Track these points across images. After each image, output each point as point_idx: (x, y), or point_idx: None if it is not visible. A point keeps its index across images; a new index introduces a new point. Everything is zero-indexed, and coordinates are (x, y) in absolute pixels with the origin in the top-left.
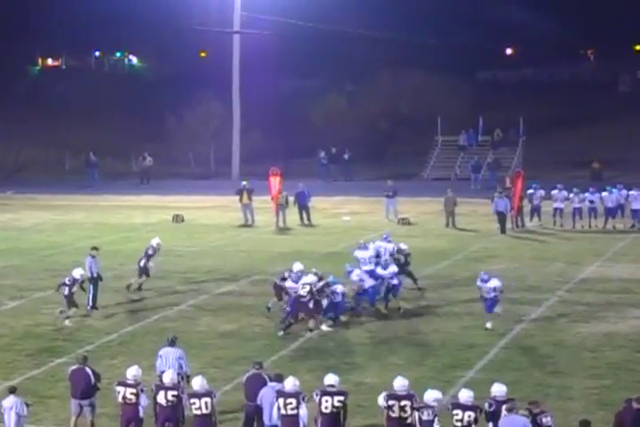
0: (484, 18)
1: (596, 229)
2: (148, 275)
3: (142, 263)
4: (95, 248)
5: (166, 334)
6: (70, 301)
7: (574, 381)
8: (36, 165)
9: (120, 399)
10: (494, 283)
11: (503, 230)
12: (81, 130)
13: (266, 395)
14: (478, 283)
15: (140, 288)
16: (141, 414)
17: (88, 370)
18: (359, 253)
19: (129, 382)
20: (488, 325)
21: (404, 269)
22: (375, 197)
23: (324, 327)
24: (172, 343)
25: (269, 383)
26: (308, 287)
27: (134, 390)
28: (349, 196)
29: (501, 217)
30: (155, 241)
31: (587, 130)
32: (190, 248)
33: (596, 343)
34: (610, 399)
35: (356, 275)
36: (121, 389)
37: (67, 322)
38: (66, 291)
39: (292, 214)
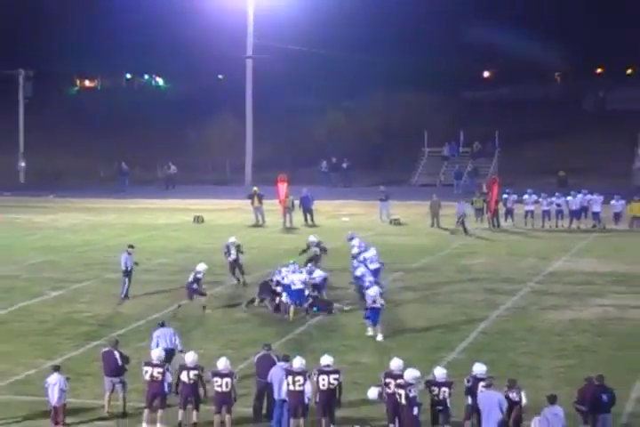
0: (465, 44)
1: (562, 228)
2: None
3: (194, 286)
4: (131, 246)
5: (187, 321)
6: (192, 291)
7: (543, 361)
8: (73, 172)
9: (147, 377)
10: (374, 291)
11: (466, 231)
12: (113, 142)
13: (275, 373)
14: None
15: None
16: (166, 390)
17: (116, 353)
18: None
19: (155, 362)
20: (379, 337)
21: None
22: (370, 201)
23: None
24: (163, 324)
25: (278, 363)
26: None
27: (161, 370)
28: (348, 200)
29: (462, 218)
30: (201, 267)
31: (554, 143)
32: (209, 245)
33: (563, 328)
34: (574, 377)
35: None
36: (148, 368)
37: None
38: (194, 285)
39: (298, 216)
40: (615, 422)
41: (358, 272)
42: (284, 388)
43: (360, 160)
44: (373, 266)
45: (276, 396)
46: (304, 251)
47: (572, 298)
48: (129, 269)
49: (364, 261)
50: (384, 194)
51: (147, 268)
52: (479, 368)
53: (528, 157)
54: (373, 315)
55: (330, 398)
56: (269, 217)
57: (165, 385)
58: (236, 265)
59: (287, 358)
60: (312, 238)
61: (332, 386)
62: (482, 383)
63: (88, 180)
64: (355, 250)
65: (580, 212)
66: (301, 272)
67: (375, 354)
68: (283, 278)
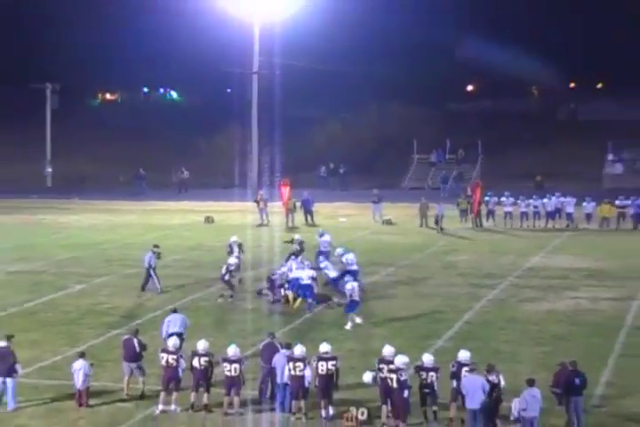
0: (451, 60)
1: (539, 228)
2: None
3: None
4: (156, 246)
5: (200, 311)
6: (228, 283)
7: (522, 348)
8: (95, 177)
9: (163, 363)
10: (351, 286)
11: (441, 230)
12: (132, 149)
13: (278, 359)
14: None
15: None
16: (180, 374)
17: (135, 340)
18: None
19: (170, 349)
20: (351, 324)
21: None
22: (365, 203)
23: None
24: (175, 311)
25: (281, 350)
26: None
27: (175, 356)
28: (345, 202)
29: (438, 219)
30: (232, 260)
31: (532, 150)
32: (219, 243)
33: (540, 318)
34: (550, 363)
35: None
36: (164, 355)
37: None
38: (226, 276)
39: (299, 216)
40: (586, 404)
41: (323, 264)
42: (287, 373)
43: (356, 166)
44: (352, 268)
45: (278, 380)
46: (289, 242)
47: (548, 291)
48: (152, 266)
49: (345, 262)
50: (377, 196)
51: (162, 264)
52: (463, 355)
53: (508, 164)
54: (352, 307)
55: (328, 382)
56: (273, 217)
57: (180, 370)
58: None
59: (289, 346)
60: (297, 237)
61: (330, 371)
62: (465, 368)
63: (109, 184)
64: (339, 250)
65: (554, 213)
66: (310, 268)
67: (369, 342)
68: (289, 271)
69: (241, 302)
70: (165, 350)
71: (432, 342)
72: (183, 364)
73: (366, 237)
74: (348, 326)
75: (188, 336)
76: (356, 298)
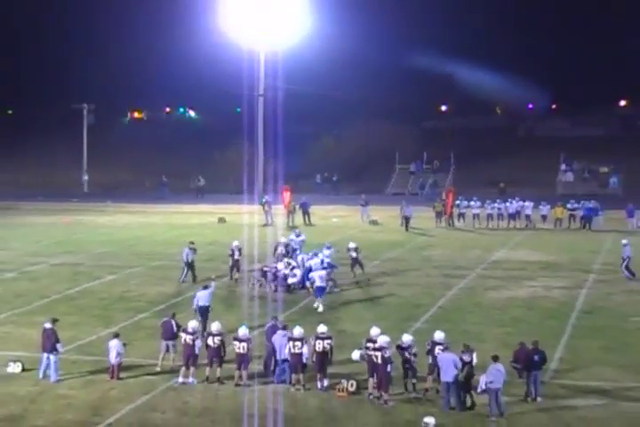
0: (429, 82)
1: (502, 227)
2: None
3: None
4: (192, 242)
5: (215, 298)
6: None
7: (487, 329)
8: (126, 184)
9: (182, 342)
10: (320, 273)
11: (407, 229)
12: (156, 160)
13: (276, 339)
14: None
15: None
16: (197, 351)
17: (173, 322)
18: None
19: (189, 330)
20: (320, 308)
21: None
22: (354, 206)
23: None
24: (206, 288)
25: (279, 331)
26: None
27: (192, 337)
28: (337, 205)
29: (407, 219)
30: (234, 244)
31: (495, 161)
32: (230, 240)
33: (503, 304)
34: (511, 342)
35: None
36: (183, 335)
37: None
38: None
39: (298, 217)
40: (544, 376)
41: (313, 262)
42: (287, 350)
43: (346, 174)
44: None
45: (278, 357)
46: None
47: (509, 281)
48: (190, 261)
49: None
50: (364, 200)
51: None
52: (438, 335)
53: (476, 172)
54: (320, 292)
55: (324, 358)
56: (276, 218)
57: (196, 349)
58: (235, 265)
59: (285, 327)
60: (284, 240)
61: (325, 349)
62: (439, 347)
63: (137, 189)
64: (326, 252)
65: (515, 214)
66: (323, 268)
67: (358, 324)
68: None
69: (249, 291)
70: (185, 330)
71: (411, 324)
72: (199, 343)
73: (355, 234)
74: (320, 307)
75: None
76: (324, 284)
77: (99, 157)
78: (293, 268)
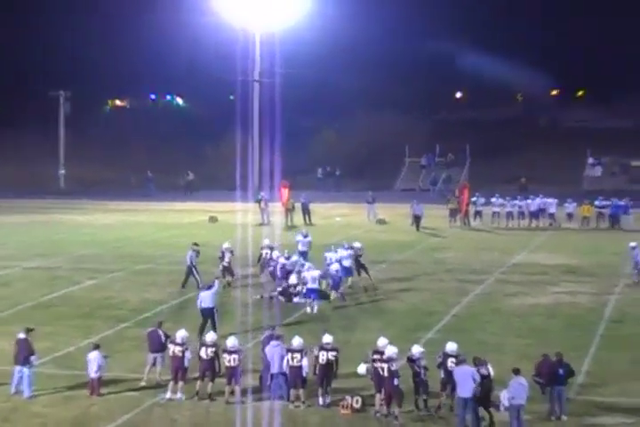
0: (440, 71)
1: (523, 227)
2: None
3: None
4: (196, 244)
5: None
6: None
7: (506, 339)
8: (108, 180)
9: (170, 354)
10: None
11: (418, 229)
12: (141, 154)
13: (269, 351)
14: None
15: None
16: (187, 364)
17: (160, 332)
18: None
19: (177, 341)
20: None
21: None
22: (359, 203)
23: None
24: (209, 288)
25: (271, 342)
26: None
27: (181, 348)
28: (340, 202)
29: (417, 219)
30: (225, 245)
31: (516, 154)
32: (222, 241)
33: (523, 312)
34: (533, 354)
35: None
36: (171, 346)
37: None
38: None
39: (297, 216)
40: (569, 391)
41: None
42: (285, 363)
43: (350, 169)
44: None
45: (272, 370)
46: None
47: (531, 286)
48: (194, 264)
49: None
50: (371, 197)
51: (171, 260)
52: (450, 346)
53: (494, 167)
54: (313, 294)
55: (327, 372)
56: (274, 217)
57: (186, 361)
58: (226, 269)
59: (279, 337)
60: (267, 242)
61: (330, 361)
62: (451, 359)
63: (119, 186)
64: (344, 252)
65: (538, 213)
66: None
67: (364, 334)
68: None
69: (245, 297)
70: (173, 342)
71: (422, 334)
72: (189, 355)
73: (360, 235)
74: (309, 309)
75: (193, 328)
76: (316, 286)
77: (76, 149)
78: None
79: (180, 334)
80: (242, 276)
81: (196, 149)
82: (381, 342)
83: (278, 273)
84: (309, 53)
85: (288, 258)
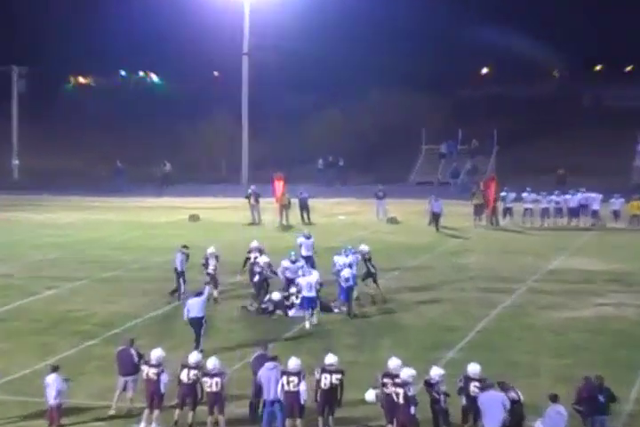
0: (461, 42)
1: (561, 227)
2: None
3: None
4: (185, 246)
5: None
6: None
7: (541, 360)
8: (69, 171)
9: (144, 376)
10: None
11: (437, 229)
12: (109, 140)
13: (263, 374)
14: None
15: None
16: (162, 390)
17: (132, 351)
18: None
19: (152, 362)
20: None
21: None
22: (366, 199)
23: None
24: (199, 295)
25: (266, 364)
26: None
27: (156, 370)
28: (344, 198)
29: (436, 217)
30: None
31: (553, 140)
32: (205, 244)
33: (561, 327)
34: (572, 376)
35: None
36: (145, 368)
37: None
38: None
39: (294, 214)
40: (615, 422)
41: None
42: (279, 388)
43: (356, 158)
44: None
45: (266, 396)
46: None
47: (570, 296)
48: (183, 270)
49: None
50: (381, 192)
51: (143, 265)
52: (473, 368)
53: (526, 155)
54: (308, 304)
55: (330, 398)
56: (266, 215)
57: (162, 385)
58: (211, 278)
59: (275, 358)
60: (255, 244)
61: (333, 385)
62: (474, 384)
63: (84, 178)
64: (349, 258)
65: (578, 210)
66: (310, 273)
67: (373, 353)
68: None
69: (229, 309)
70: (147, 363)
71: (441, 353)
72: (166, 378)
73: (368, 236)
74: (307, 324)
75: (171, 347)
76: (307, 294)
77: (33, 135)
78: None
79: (156, 354)
80: (230, 284)
81: (173, 135)
82: (393, 362)
83: (282, 279)
84: (309, 22)
85: (294, 262)
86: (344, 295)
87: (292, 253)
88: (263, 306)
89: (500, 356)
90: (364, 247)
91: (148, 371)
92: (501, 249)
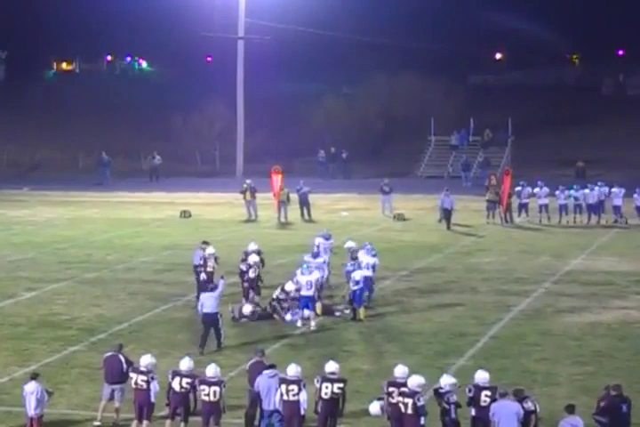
0: (474, 24)
1: (580, 224)
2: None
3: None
4: (206, 242)
5: (174, 324)
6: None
7: (559, 368)
8: (50, 163)
9: (132, 385)
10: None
11: (449, 227)
12: (93, 130)
13: (261, 382)
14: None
15: None
16: (152, 399)
17: (121, 357)
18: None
19: (141, 369)
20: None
21: None
22: (371, 194)
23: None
24: (212, 289)
25: (264, 371)
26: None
27: (145, 378)
28: (347, 193)
29: (447, 214)
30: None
31: (572, 130)
32: (197, 242)
33: (581, 332)
34: (593, 386)
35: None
36: (133, 375)
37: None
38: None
39: (293, 210)
40: None
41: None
42: (278, 397)
43: (361, 150)
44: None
45: (264, 406)
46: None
47: (591, 299)
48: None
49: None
50: (387, 186)
51: (130, 266)
52: (481, 376)
53: (544, 147)
54: (305, 303)
55: (332, 409)
56: (263, 211)
57: (151, 395)
58: (208, 278)
59: (273, 366)
60: (254, 247)
61: (335, 395)
62: (486, 392)
63: (66, 171)
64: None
65: (598, 206)
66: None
67: (378, 361)
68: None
69: (223, 312)
70: (135, 370)
71: (452, 360)
72: (156, 387)
73: (373, 234)
74: (299, 323)
75: (160, 353)
76: (305, 293)
77: (11, 123)
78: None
79: (146, 361)
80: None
81: (163, 125)
82: (399, 370)
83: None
84: (310, 2)
85: (317, 255)
86: (355, 299)
87: (325, 229)
88: (269, 304)
89: (514, 363)
90: (352, 244)
91: (136, 378)
92: (517, 248)
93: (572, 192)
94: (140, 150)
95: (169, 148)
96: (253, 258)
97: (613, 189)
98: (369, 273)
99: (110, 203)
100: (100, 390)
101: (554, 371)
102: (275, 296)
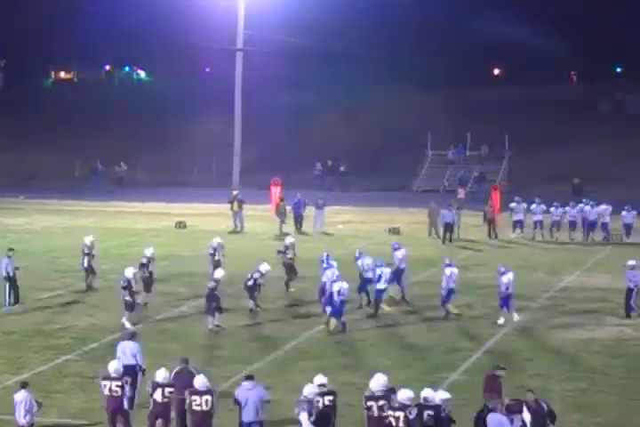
0: (473, 39)
1: (575, 241)
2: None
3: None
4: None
5: (167, 334)
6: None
7: (553, 384)
8: (47, 172)
9: (106, 392)
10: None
11: (450, 240)
12: (90, 140)
13: (241, 394)
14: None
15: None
16: (126, 406)
17: (192, 369)
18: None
19: (113, 375)
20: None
21: None
22: (368, 207)
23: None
24: (132, 337)
25: (243, 383)
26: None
27: (119, 383)
28: (344, 206)
29: (448, 228)
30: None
31: (568, 147)
32: (191, 253)
33: (574, 349)
34: (586, 402)
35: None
36: (106, 382)
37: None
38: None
39: (289, 222)
40: None
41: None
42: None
43: (358, 163)
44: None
45: (245, 418)
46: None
47: (585, 316)
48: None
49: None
50: (321, 200)
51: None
52: (405, 395)
53: (540, 163)
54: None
55: (323, 423)
56: (250, 223)
57: (125, 401)
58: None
59: (251, 377)
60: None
61: (326, 409)
62: (428, 412)
63: (62, 180)
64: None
65: (595, 223)
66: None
67: (370, 374)
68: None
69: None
70: (107, 377)
71: (444, 375)
72: (128, 392)
73: (368, 248)
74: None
75: (149, 365)
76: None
77: (9, 131)
78: None
79: (114, 366)
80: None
81: (160, 135)
82: (376, 381)
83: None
84: (307, 14)
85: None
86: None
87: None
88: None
89: (507, 379)
90: (266, 266)
91: (110, 385)
92: (513, 264)
93: (567, 209)
94: (137, 160)
95: (165, 158)
96: (265, 267)
97: (602, 206)
98: (345, 285)
99: (105, 212)
100: (90, 400)
101: (547, 387)
102: (250, 275)
